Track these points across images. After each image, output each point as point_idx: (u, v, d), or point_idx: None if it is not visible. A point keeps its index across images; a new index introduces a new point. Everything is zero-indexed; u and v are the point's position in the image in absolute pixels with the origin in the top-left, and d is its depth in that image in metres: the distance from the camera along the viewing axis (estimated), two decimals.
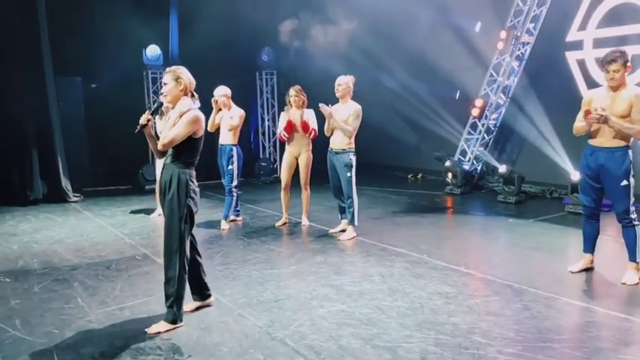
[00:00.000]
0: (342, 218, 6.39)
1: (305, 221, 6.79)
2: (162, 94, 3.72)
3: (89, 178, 9.87)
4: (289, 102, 6.50)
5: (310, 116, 6.45)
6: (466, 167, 9.13)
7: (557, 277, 4.63)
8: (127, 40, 9.69)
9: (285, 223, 6.77)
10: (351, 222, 6.11)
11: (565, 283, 4.49)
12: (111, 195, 9.31)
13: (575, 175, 7.12)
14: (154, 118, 3.73)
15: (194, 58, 9.96)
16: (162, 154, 3.72)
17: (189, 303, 3.99)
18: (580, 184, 4.68)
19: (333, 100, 6.02)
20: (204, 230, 6.59)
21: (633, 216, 4.33)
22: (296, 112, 6.47)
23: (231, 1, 9.91)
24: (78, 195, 8.89)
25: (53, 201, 8.55)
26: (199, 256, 3.96)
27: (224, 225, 6.69)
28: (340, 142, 6.04)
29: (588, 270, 4.72)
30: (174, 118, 3.59)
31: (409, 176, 10.88)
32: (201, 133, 3.64)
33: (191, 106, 3.62)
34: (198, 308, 3.97)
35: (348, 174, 6.02)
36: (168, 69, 3.70)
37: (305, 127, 6.43)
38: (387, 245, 5.71)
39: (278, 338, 3.47)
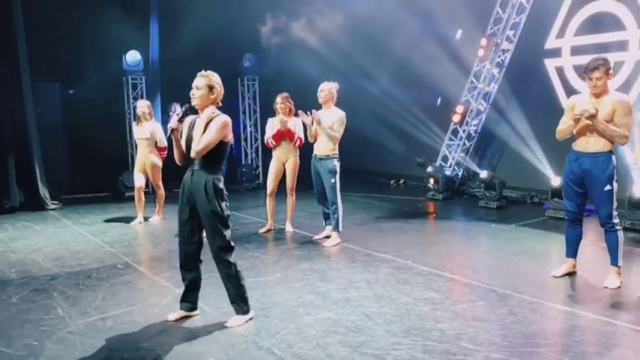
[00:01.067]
0: (326, 224, 6.37)
1: (289, 228, 6.76)
2: (193, 95, 3.64)
3: (68, 186, 9.70)
4: (276, 109, 6.47)
5: (297, 124, 6.43)
6: (448, 173, 9.19)
7: (541, 282, 4.67)
8: (106, 46, 9.56)
9: (269, 230, 6.72)
10: (336, 228, 6.09)
11: (549, 288, 4.53)
12: (90, 202, 9.14)
13: (556, 181, 7.22)
14: (182, 123, 3.74)
15: (175, 63, 9.89)
16: (185, 159, 3.75)
17: (172, 312, 3.94)
18: (564, 190, 4.73)
19: (316, 107, 6.01)
20: None
21: (616, 220, 4.39)
22: (283, 120, 6.45)
23: (213, 7, 9.85)
24: (56, 202, 8.72)
25: (31, 209, 8.36)
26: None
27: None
28: (324, 148, 6.03)
29: (571, 274, 4.77)
30: (201, 125, 3.60)
31: (392, 182, 10.92)
32: (230, 137, 3.69)
33: (219, 112, 3.66)
34: (182, 318, 3.90)
35: (332, 180, 6.01)
36: (203, 73, 3.66)
37: (290, 135, 6.40)
38: (372, 251, 5.70)
39: (265, 347, 3.42)
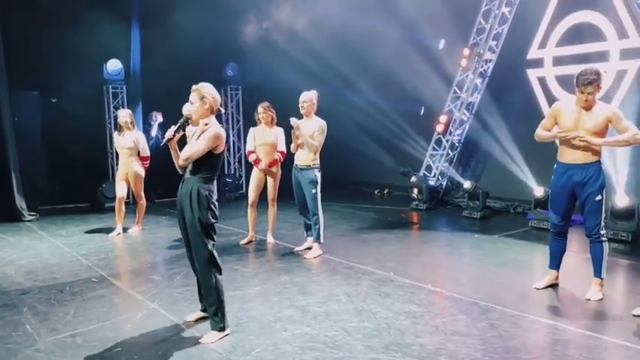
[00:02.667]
0: (307, 236, 6.28)
1: (270, 239, 6.65)
2: (188, 111, 3.78)
3: (46, 196, 9.49)
4: (258, 119, 6.39)
5: (279, 135, 6.36)
6: (432, 183, 9.15)
7: (523, 294, 4.62)
8: (86, 54, 9.39)
9: (250, 241, 6.61)
10: (317, 239, 6.00)
11: (531, 300, 4.48)
12: (69, 213, 8.95)
13: (539, 191, 7.21)
14: (179, 134, 3.84)
15: (157, 72, 9.79)
16: (184, 168, 3.79)
17: (191, 314, 4.04)
18: (550, 202, 4.63)
19: (298, 116, 5.94)
20: (164, 250, 6.38)
21: (602, 232, 4.36)
22: (265, 130, 6.37)
23: (195, 15, 9.75)
24: (33, 214, 8.52)
25: (6, 220, 8.14)
26: None
27: None
28: (305, 158, 5.96)
29: (553, 286, 4.72)
30: (197, 134, 3.69)
31: (376, 192, 10.86)
32: (221, 149, 3.70)
33: (214, 123, 3.71)
34: (200, 319, 4.00)
35: (314, 191, 5.93)
36: (194, 87, 3.72)
37: (274, 164, 6.37)
38: (354, 263, 5.62)
39: None
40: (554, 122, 4.47)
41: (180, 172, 3.90)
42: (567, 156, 4.41)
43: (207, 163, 3.68)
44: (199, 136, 3.68)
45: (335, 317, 4.09)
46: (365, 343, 3.61)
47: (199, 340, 3.67)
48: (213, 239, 3.70)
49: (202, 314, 4.00)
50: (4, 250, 6.47)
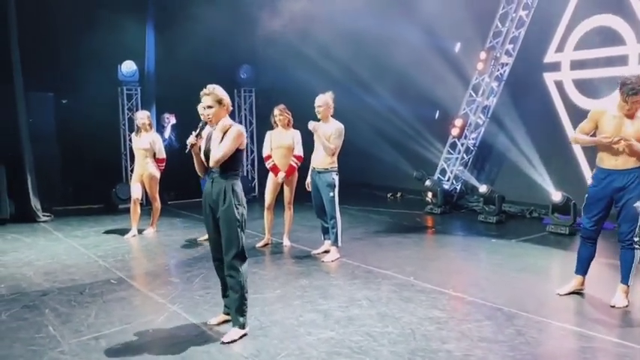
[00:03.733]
0: (324, 239, 6.25)
1: (287, 242, 6.63)
2: (206, 116, 3.76)
3: (60, 197, 9.51)
4: (274, 122, 6.36)
5: (296, 137, 6.33)
6: (446, 187, 9.10)
7: (546, 300, 4.57)
8: (101, 56, 9.42)
9: (266, 244, 6.58)
10: (335, 243, 5.97)
11: (555, 307, 4.42)
12: (83, 214, 8.96)
13: (557, 195, 7.14)
14: (201, 138, 3.90)
15: (171, 74, 9.81)
16: (205, 170, 3.89)
17: (214, 318, 4.04)
18: (586, 206, 4.54)
19: (315, 119, 5.91)
20: (180, 252, 6.37)
21: (636, 239, 4.29)
22: (282, 132, 6.34)
23: (210, 17, 9.75)
24: (48, 214, 8.54)
25: (21, 221, 8.18)
26: None
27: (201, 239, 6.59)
28: (322, 161, 5.93)
29: (576, 292, 4.65)
30: (218, 136, 3.74)
31: (388, 195, 10.83)
32: (244, 145, 3.83)
33: (231, 122, 3.79)
34: (225, 322, 4.00)
35: (331, 194, 5.90)
36: (206, 90, 3.73)
37: (291, 171, 6.34)
38: (372, 267, 5.58)
39: None
40: (594, 126, 4.39)
41: (201, 175, 3.98)
42: (608, 162, 4.34)
43: (234, 161, 3.77)
44: (222, 137, 3.72)
45: (358, 322, 4.05)
46: (391, 348, 3.57)
47: (222, 340, 3.67)
48: (244, 235, 3.78)
49: (225, 317, 4.01)
50: (21, 250, 6.48)
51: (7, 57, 8.20)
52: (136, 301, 4.64)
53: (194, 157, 3.90)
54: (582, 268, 4.60)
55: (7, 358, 3.47)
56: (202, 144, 3.87)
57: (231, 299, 3.79)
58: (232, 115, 11.51)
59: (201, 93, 3.75)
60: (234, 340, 3.68)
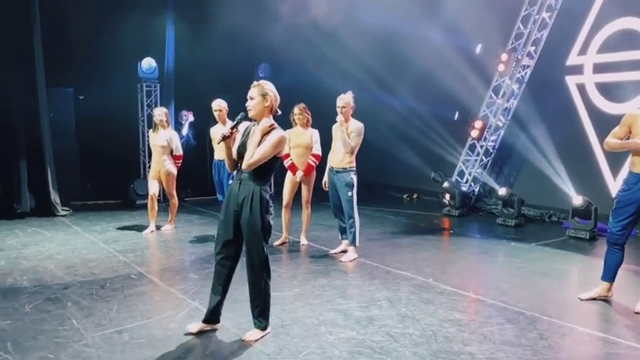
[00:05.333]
0: (342, 239, 6.24)
1: (304, 241, 6.63)
2: (247, 107, 3.64)
3: (78, 192, 9.60)
4: (293, 120, 6.36)
5: (314, 136, 6.32)
6: (464, 189, 9.04)
7: (568, 305, 4.52)
8: (122, 53, 9.50)
9: (284, 243, 6.59)
10: (353, 243, 5.95)
11: (578, 312, 4.38)
12: (100, 209, 9.04)
13: (578, 200, 7.06)
14: (236, 131, 3.71)
15: (190, 71, 9.86)
16: (235, 166, 3.72)
17: (193, 324, 3.84)
18: (614, 210, 4.45)
19: (333, 117, 5.88)
20: (198, 249, 6.39)
21: None
22: (300, 131, 6.34)
23: (229, 16, 9.79)
24: (67, 209, 8.62)
25: (41, 214, 8.27)
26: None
27: None
28: (341, 160, 5.92)
29: (598, 298, 4.59)
30: (257, 135, 3.57)
31: (405, 196, 10.78)
32: (283, 152, 3.71)
33: (274, 124, 3.63)
34: (203, 331, 3.80)
35: (349, 193, 5.89)
36: (255, 83, 3.66)
37: (309, 171, 6.32)
38: (391, 268, 5.56)
39: None
40: (628, 131, 4.32)
41: (231, 171, 3.83)
42: None
43: (269, 167, 3.62)
44: (261, 138, 3.55)
45: (378, 322, 4.03)
46: (412, 350, 3.55)
47: (242, 338, 3.67)
48: (268, 242, 3.70)
49: (204, 326, 3.80)
50: (42, 244, 6.55)
51: (29, 53, 8.30)
52: (157, 296, 4.67)
53: (225, 151, 3.70)
54: (609, 275, 4.52)
55: (32, 349, 3.50)
56: (238, 138, 3.70)
57: (253, 305, 3.73)
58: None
59: (252, 85, 3.65)
60: (255, 341, 3.67)
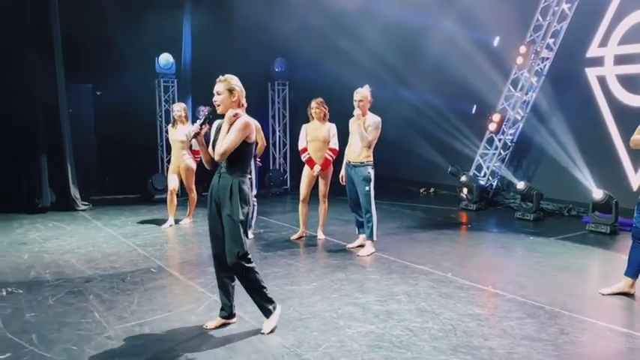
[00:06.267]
0: (359, 233, 6.24)
1: (321, 235, 6.64)
2: (214, 102, 3.64)
3: (97, 187, 9.72)
4: (310, 115, 6.36)
5: (331, 130, 6.31)
6: (482, 182, 8.98)
7: (589, 300, 4.48)
8: (139, 48, 9.58)
9: (301, 237, 6.61)
10: (370, 237, 5.95)
11: (599, 306, 4.33)
12: (119, 204, 9.15)
13: (598, 194, 6.96)
14: (205, 127, 3.72)
15: (206, 67, 9.87)
16: (213, 163, 3.72)
17: (210, 321, 3.86)
18: (639, 204, 4.39)
19: (349, 112, 5.87)
20: None
21: None
22: (318, 126, 6.34)
23: (245, 11, 9.82)
24: (86, 203, 8.74)
25: (61, 209, 8.40)
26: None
27: (249, 234, 6.59)
28: (358, 154, 5.90)
29: (619, 293, 4.54)
30: (224, 128, 3.59)
31: (421, 190, 10.74)
32: (253, 137, 3.64)
33: (240, 112, 3.63)
34: (222, 325, 3.83)
35: (367, 188, 5.88)
36: (221, 77, 3.64)
37: (326, 165, 6.32)
38: (409, 262, 5.55)
39: None
40: None
41: (209, 167, 3.81)
42: None
43: (242, 155, 3.60)
44: (228, 128, 3.57)
45: (397, 317, 4.03)
46: (432, 344, 3.55)
47: (261, 332, 3.68)
48: (247, 236, 3.68)
49: (222, 321, 3.84)
50: (63, 238, 6.65)
51: (49, 49, 8.40)
52: (177, 290, 4.72)
53: (200, 148, 3.73)
54: (632, 271, 4.45)
55: (56, 341, 3.56)
56: (211, 135, 3.70)
57: (254, 298, 3.72)
58: (265, 108, 11.63)
59: (217, 79, 3.64)
60: (274, 328, 3.71)
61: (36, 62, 8.35)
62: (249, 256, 3.64)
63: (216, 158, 3.60)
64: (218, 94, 3.61)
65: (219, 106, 3.63)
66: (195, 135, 3.65)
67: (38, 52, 8.36)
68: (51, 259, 5.63)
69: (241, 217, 3.55)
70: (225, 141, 3.53)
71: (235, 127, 3.55)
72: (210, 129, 3.74)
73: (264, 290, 3.73)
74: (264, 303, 3.73)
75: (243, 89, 3.69)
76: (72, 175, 8.68)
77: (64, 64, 8.61)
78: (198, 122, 3.69)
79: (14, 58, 8.19)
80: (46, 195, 8.40)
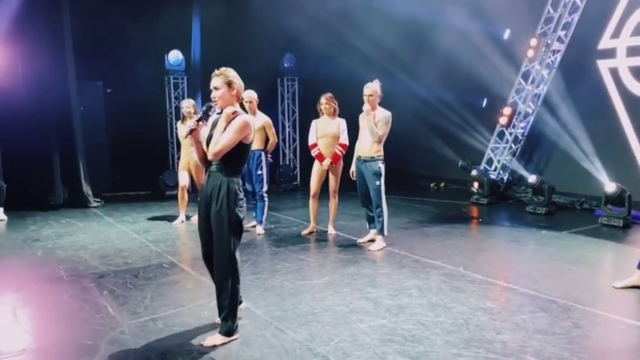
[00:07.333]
0: (370, 228, 6.24)
1: (332, 230, 6.65)
2: (212, 98, 3.46)
3: (108, 184, 9.79)
4: (320, 110, 6.36)
5: (341, 125, 6.31)
6: (492, 176, 8.94)
7: (603, 293, 4.45)
8: (149, 45, 9.63)
9: (312, 232, 6.62)
10: (381, 232, 5.95)
11: (612, 300, 4.30)
12: (131, 201, 9.22)
13: (611, 187, 6.91)
14: (203, 123, 3.52)
15: (216, 63, 9.84)
16: (207, 162, 3.51)
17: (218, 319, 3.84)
18: None
19: (359, 106, 5.85)
20: None
21: None
22: (327, 121, 6.34)
23: (254, 7, 9.82)
24: (98, 200, 8.81)
25: (74, 206, 8.48)
26: None
27: (260, 230, 6.67)
28: (369, 149, 5.89)
29: (636, 287, 4.50)
30: (221, 124, 3.40)
31: (432, 185, 10.71)
32: (250, 138, 3.47)
33: (238, 110, 3.46)
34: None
35: (377, 183, 5.88)
36: (217, 71, 3.45)
37: (336, 159, 6.31)
38: (420, 257, 5.54)
39: (320, 354, 3.31)
40: None
41: (202, 165, 3.61)
42: None
43: (237, 155, 3.41)
44: (225, 126, 3.37)
45: (409, 311, 4.03)
46: (444, 338, 3.54)
47: (202, 344, 3.43)
48: (238, 239, 3.47)
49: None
50: (76, 234, 6.71)
51: (60, 47, 8.46)
52: (189, 285, 4.75)
53: (194, 144, 3.51)
54: None
55: (72, 336, 3.60)
56: (206, 131, 3.50)
57: (220, 305, 3.47)
58: (275, 104, 11.63)
59: (212, 74, 3.45)
60: (215, 346, 3.38)
61: (47, 60, 8.40)
62: (236, 262, 3.44)
63: (210, 157, 3.41)
64: (216, 89, 3.41)
65: (218, 101, 3.42)
66: (192, 131, 3.46)
67: (49, 50, 8.41)
68: (65, 256, 5.69)
69: (230, 218, 3.36)
70: (221, 140, 3.34)
71: (233, 126, 3.35)
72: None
73: (235, 308, 3.48)
74: (229, 317, 3.45)
75: (241, 82, 3.50)
76: (84, 172, 8.76)
77: (74, 61, 8.67)
78: (195, 118, 3.51)
79: (25, 56, 8.25)
80: (59, 192, 8.48)
